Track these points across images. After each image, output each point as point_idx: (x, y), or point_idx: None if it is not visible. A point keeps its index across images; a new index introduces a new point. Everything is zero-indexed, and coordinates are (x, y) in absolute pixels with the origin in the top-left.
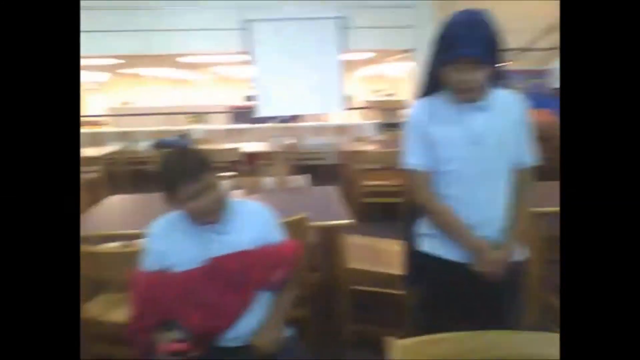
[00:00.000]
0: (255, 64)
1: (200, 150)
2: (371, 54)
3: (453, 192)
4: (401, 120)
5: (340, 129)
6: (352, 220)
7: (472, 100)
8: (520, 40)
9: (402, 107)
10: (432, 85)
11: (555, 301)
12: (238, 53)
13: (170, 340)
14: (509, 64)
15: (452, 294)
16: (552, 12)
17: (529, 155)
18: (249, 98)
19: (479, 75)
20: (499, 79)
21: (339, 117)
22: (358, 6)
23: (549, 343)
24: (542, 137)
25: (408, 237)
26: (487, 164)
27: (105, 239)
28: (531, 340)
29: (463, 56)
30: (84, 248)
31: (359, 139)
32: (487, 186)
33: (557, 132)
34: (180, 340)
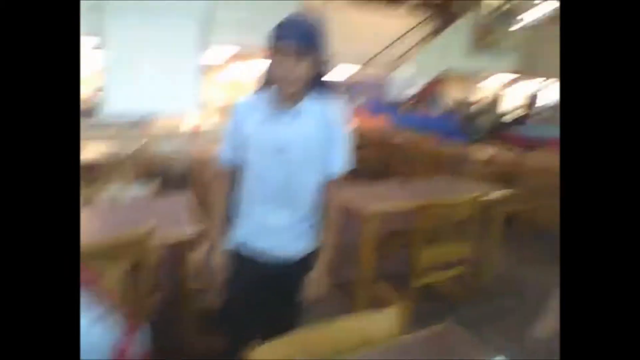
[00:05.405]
0: (104, 49)
1: None
2: (235, 49)
3: (257, 197)
4: None
5: (195, 133)
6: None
7: (290, 101)
8: (367, 50)
9: None
10: (266, 82)
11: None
12: (86, 34)
13: None
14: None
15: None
16: (398, 24)
17: (338, 165)
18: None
19: (297, 69)
20: (321, 86)
21: (194, 119)
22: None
23: (386, 319)
24: (365, 144)
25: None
26: (291, 173)
27: None
28: (370, 319)
29: (280, 42)
30: None
31: (215, 143)
32: (290, 195)
33: (383, 137)
34: None
